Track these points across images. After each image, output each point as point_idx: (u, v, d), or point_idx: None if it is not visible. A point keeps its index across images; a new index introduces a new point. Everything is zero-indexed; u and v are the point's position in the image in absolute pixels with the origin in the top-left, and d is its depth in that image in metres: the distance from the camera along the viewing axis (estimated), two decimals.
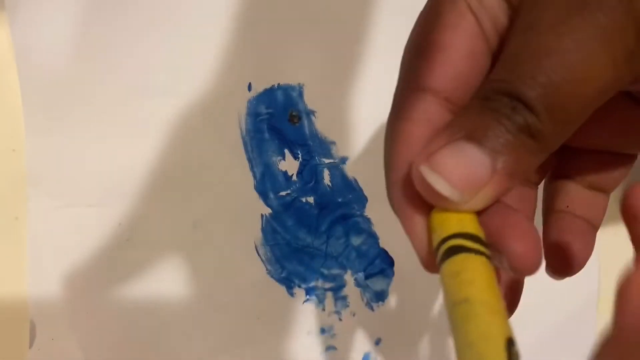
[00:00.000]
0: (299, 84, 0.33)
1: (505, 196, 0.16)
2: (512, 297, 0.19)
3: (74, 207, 0.35)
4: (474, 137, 0.15)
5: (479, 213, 0.16)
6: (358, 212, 0.33)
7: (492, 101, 0.15)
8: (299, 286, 0.34)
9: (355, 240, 0.34)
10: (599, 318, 0.34)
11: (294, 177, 0.33)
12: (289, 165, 0.33)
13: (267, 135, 0.33)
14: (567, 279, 0.32)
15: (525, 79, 0.14)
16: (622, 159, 0.21)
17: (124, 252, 0.35)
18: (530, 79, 0.14)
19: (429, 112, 0.16)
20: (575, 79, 0.14)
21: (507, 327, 0.13)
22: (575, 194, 0.21)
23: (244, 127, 0.33)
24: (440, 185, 0.15)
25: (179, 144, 0.34)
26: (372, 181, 0.34)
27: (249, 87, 0.33)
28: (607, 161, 0.21)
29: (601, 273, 0.33)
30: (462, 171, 0.15)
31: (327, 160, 0.33)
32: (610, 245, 0.31)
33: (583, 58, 0.14)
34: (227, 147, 0.33)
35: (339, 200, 0.33)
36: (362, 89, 0.33)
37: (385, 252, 0.34)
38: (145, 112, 0.33)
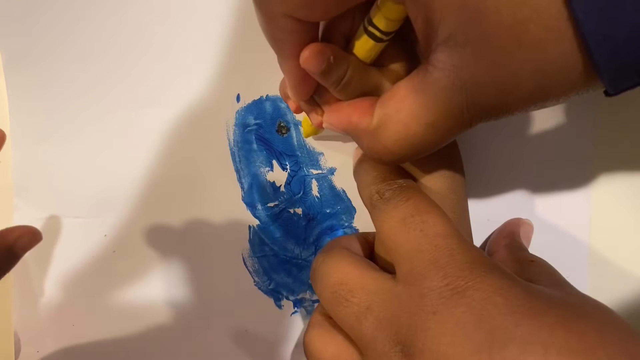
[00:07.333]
0: None
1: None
2: None
3: (60, 219, 0.35)
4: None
5: None
6: (346, 223, 0.33)
7: None
8: (287, 298, 0.34)
9: None
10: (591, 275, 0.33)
11: (282, 188, 0.33)
12: (277, 176, 0.33)
13: (255, 146, 0.33)
14: (559, 237, 0.32)
15: None
16: None
17: (110, 264, 0.34)
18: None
19: None
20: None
21: None
22: None
23: (232, 137, 0.33)
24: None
25: (167, 155, 0.33)
26: None
27: (238, 98, 0.33)
28: None
29: (591, 231, 0.32)
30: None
31: (315, 171, 0.33)
32: (601, 202, 0.31)
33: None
34: (215, 158, 0.33)
35: (327, 211, 0.33)
36: None
37: None
38: (134, 124, 0.33)
